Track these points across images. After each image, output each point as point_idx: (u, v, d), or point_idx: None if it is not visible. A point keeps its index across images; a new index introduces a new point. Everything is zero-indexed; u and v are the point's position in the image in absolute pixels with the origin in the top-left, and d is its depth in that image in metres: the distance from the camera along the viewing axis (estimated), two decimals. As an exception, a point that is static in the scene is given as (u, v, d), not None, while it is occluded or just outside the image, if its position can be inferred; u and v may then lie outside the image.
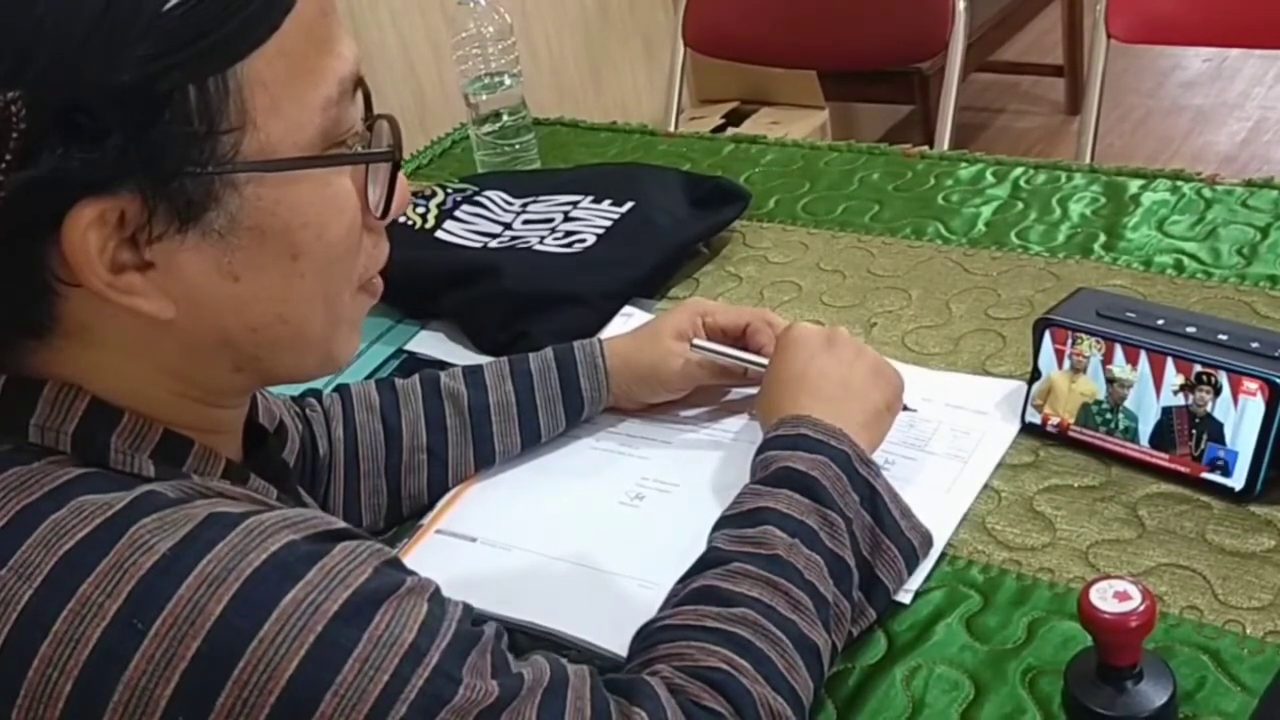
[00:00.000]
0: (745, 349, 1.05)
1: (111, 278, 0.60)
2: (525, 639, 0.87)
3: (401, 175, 0.69)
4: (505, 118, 1.53)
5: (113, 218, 0.59)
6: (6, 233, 0.58)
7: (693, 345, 1.04)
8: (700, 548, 0.88)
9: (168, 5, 0.57)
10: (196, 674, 0.56)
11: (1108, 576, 0.72)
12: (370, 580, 0.60)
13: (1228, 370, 0.90)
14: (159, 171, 0.58)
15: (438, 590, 0.65)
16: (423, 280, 1.26)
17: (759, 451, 0.89)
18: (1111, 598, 0.71)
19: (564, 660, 0.69)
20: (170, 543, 0.57)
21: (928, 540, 0.88)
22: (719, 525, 0.84)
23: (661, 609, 0.79)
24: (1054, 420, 0.98)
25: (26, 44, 0.55)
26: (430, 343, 1.24)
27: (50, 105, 0.56)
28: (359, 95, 0.67)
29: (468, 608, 0.66)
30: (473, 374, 1.04)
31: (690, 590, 0.78)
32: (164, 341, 0.64)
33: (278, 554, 0.58)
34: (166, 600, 0.56)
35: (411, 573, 0.64)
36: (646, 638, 0.77)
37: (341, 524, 0.64)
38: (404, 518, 1.01)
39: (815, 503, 0.83)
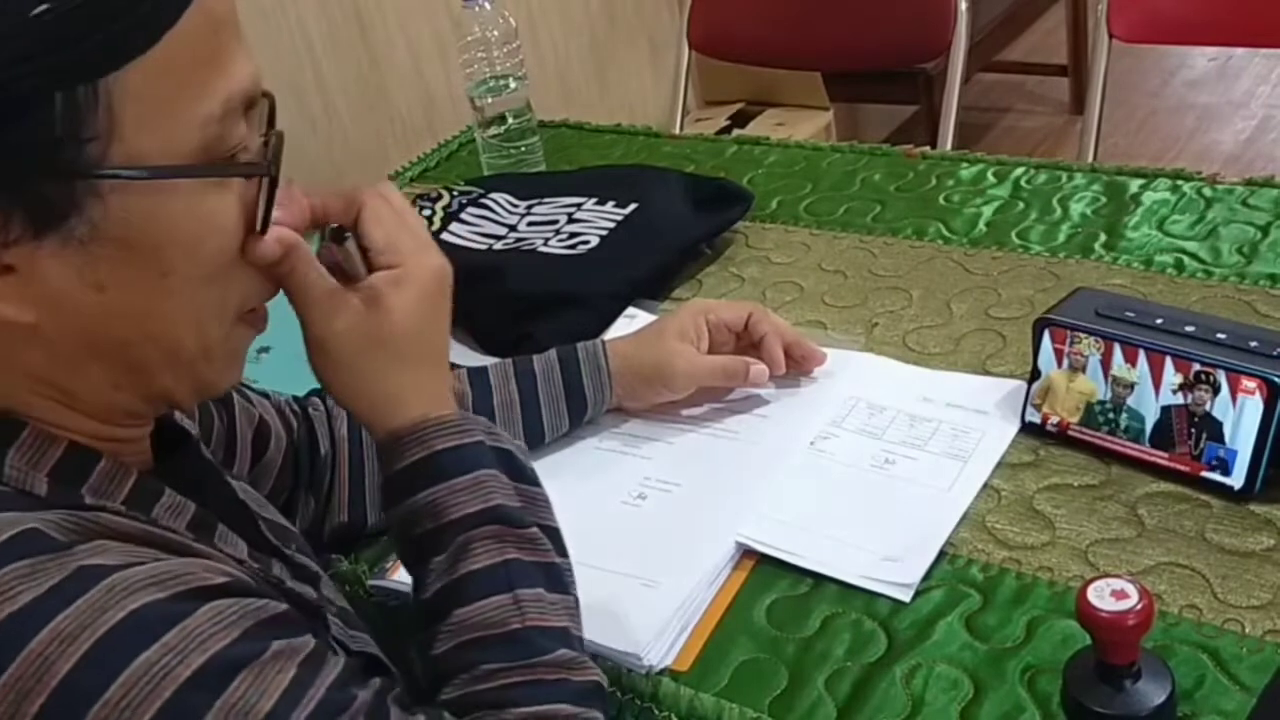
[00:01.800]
0: (751, 344, 1.07)
1: None
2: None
3: (296, 191, 0.66)
4: (510, 120, 1.54)
5: None
6: None
7: None
8: (702, 547, 0.88)
9: (37, 9, 0.56)
10: None
11: (1105, 575, 0.73)
12: (233, 645, 0.58)
13: (1226, 369, 0.90)
14: (15, 174, 0.57)
15: (314, 652, 0.62)
16: (427, 282, 1.27)
17: (401, 489, 0.74)
18: (1109, 596, 0.71)
19: None
20: (35, 594, 0.56)
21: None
22: (431, 618, 0.72)
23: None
24: (1054, 419, 0.99)
25: None
26: (435, 344, 1.25)
27: None
28: (255, 114, 0.65)
29: (351, 667, 0.64)
30: (477, 375, 1.04)
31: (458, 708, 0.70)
32: (29, 348, 0.62)
33: (137, 612, 0.57)
34: (17, 653, 0.55)
35: (293, 634, 0.62)
36: None
37: (225, 579, 0.61)
38: (408, 516, 1.01)
39: (503, 527, 0.74)
